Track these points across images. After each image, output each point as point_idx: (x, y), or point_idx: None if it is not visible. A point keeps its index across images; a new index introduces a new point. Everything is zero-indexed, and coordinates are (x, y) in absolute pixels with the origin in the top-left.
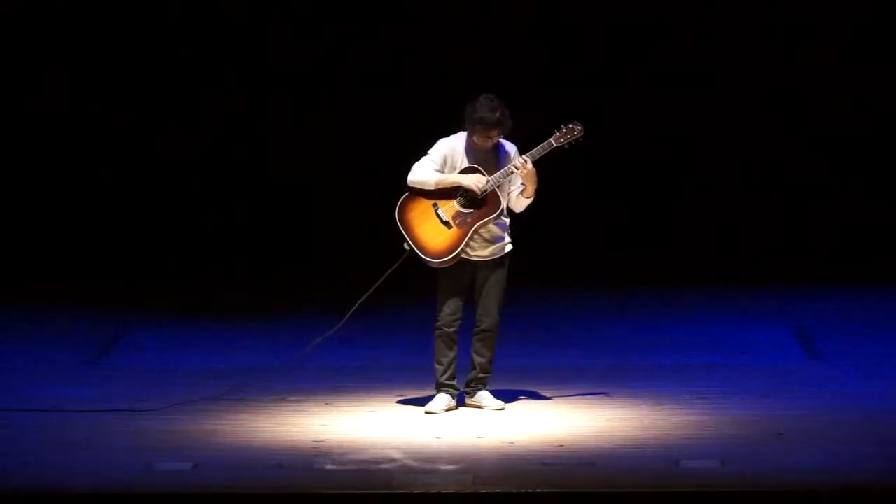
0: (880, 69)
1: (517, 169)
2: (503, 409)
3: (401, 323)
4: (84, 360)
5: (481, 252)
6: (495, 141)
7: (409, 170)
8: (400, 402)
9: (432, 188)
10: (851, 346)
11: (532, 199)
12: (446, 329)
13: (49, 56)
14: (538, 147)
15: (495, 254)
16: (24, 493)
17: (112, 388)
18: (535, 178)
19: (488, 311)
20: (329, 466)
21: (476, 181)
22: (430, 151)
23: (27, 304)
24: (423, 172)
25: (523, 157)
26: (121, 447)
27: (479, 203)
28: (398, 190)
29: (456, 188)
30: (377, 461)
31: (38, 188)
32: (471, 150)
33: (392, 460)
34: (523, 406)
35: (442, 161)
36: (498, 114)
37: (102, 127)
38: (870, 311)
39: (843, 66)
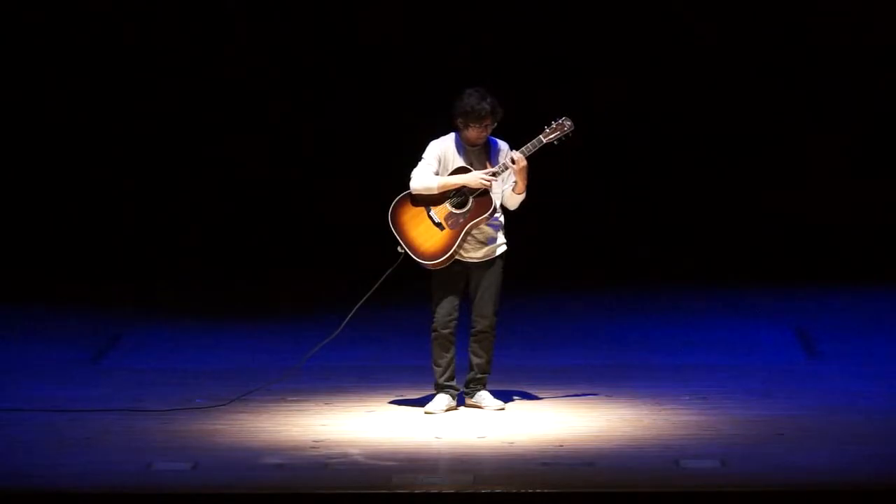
0: (883, 67)
1: (512, 164)
2: (503, 409)
3: (400, 323)
4: (84, 360)
5: (475, 254)
6: (489, 132)
7: (407, 176)
8: (400, 402)
9: (436, 192)
10: (851, 346)
11: (524, 195)
12: (442, 331)
13: (47, 62)
14: (528, 143)
15: (489, 255)
16: (25, 493)
17: (112, 388)
18: (525, 175)
19: (483, 312)
20: (329, 466)
21: (480, 177)
22: (424, 156)
23: (27, 304)
24: (425, 179)
25: (517, 152)
26: (121, 447)
27: (471, 203)
28: (394, 190)
29: (448, 189)
30: (377, 461)
31: (37, 189)
32: (462, 149)
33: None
34: (523, 406)
35: (437, 163)
36: (488, 103)
37: (103, 128)
38: (870, 311)
39: (846, 63)
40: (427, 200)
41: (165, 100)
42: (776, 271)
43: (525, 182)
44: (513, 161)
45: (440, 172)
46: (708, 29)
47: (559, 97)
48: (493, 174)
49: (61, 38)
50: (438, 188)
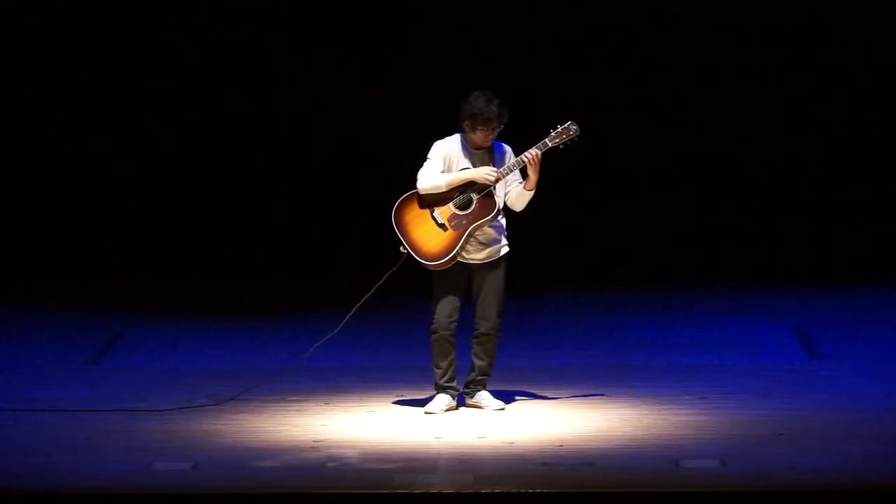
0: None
1: (529, 158)
2: (503, 409)
3: (400, 323)
4: (84, 360)
5: (477, 255)
6: (495, 135)
7: (411, 176)
8: (399, 402)
9: (445, 190)
10: (852, 346)
11: (534, 191)
12: (443, 332)
13: (44, 60)
14: (534, 147)
15: (491, 256)
16: (25, 493)
17: (112, 388)
18: (538, 169)
19: (487, 314)
20: (329, 466)
21: (486, 172)
22: (430, 155)
23: (27, 304)
24: (433, 177)
25: (533, 149)
26: (121, 447)
27: (475, 205)
28: (397, 191)
29: (452, 190)
30: (377, 461)
31: (38, 188)
32: (467, 151)
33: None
34: (523, 406)
35: (443, 163)
36: (496, 105)
37: (102, 128)
38: (870, 311)
39: (849, 63)
40: (431, 201)
41: (165, 100)
42: (776, 271)
43: (536, 177)
44: (527, 157)
45: (445, 173)
46: (705, 32)
47: (560, 97)
48: (499, 171)
49: (56, 36)
50: (446, 185)
